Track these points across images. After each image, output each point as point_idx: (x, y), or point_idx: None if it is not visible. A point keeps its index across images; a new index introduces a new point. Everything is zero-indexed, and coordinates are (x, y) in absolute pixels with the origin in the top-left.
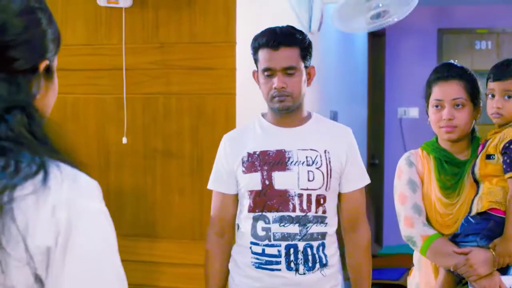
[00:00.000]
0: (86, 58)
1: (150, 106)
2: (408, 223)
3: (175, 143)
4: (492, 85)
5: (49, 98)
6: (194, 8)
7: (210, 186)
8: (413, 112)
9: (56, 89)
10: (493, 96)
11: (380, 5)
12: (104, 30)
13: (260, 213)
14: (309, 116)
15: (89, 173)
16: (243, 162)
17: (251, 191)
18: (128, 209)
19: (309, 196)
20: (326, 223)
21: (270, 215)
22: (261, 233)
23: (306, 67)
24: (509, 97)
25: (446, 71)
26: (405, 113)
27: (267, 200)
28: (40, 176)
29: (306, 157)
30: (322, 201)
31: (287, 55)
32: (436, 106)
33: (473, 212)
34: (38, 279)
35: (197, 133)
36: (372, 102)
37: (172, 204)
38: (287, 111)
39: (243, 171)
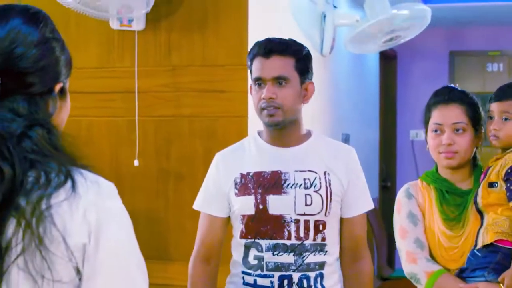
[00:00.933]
0: (99, 81)
1: (162, 128)
2: (410, 259)
3: (187, 166)
4: (492, 106)
5: (63, 115)
6: (206, 31)
7: (197, 206)
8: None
9: (69, 107)
10: (491, 118)
11: (394, 30)
12: (117, 53)
13: (252, 240)
14: (308, 134)
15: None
16: (235, 184)
17: (243, 216)
18: (141, 231)
19: (306, 222)
20: (326, 251)
21: (263, 243)
22: (253, 262)
23: (302, 81)
24: (506, 119)
25: (446, 95)
26: (417, 135)
27: (261, 226)
28: (69, 184)
29: (304, 179)
30: (321, 227)
31: (279, 64)
32: (435, 131)
33: (479, 245)
34: (78, 272)
35: (209, 155)
36: (384, 124)
37: (184, 226)
38: (277, 126)
39: (235, 194)
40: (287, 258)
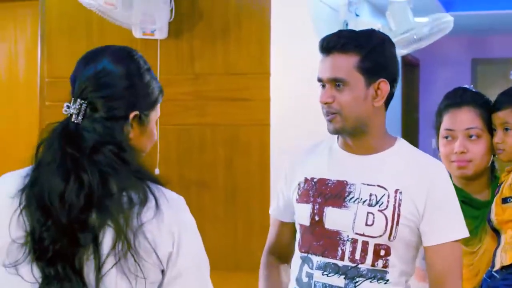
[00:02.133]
0: None
1: (184, 136)
2: (420, 276)
3: (209, 174)
4: (493, 118)
5: (143, 140)
6: (228, 40)
7: (270, 210)
8: None
9: (152, 134)
10: (495, 130)
11: (415, 37)
12: None
13: (306, 254)
14: (391, 142)
15: None
16: (298, 189)
17: (301, 225)
18: None
19: (365, 243)
20: (387, 281)
21: (315, 259)
22: (304, 279)
23: (370, 81)
24: (507, 129)
25: (458, 97)
26: None
27: (314, 240)
28: (153, 202)
29: (370, 195)
30: (383, 252)
31: (336, 64)
32: (447, 137)
33: (497, 266)
34: (163, 273)
35: (231, 163)
36: (406, 132)
37: (206, 234)
38: (339, 134)
39: (296, 199)
40: (337, 280)
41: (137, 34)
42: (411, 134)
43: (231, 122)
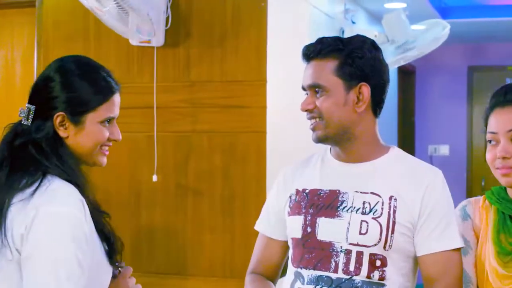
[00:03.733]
0: None
1: (181, 144)
2: None
3: (206, 181)
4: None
5: (79, 139)
6: (225, 47)
7: (255, 226)
8: (444, 150)
9: (93, 134)
10: (491, 142)
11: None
12: (136, 68)
13: (296, 269)
14: (384, 150)
15: (119, 210)
16: (290, 201)
17: (292, 239)
18: (159, 246)
19: (359, 254)
20: None
21: (306, 274)
22: None
23: (351, 86)
24: None
25: (502, 95)
26: (435, 150)
27: (306, 252)
28: (32, 188)
29: (363, 203)
30: (378, 263)
31: (315, 70)
32: (490, 142)
33: None
34: (17, 252)
35: (228, 171)
36: (402, 139)
37: (203, 242)
38: (323, 142)
39: (288, 212)
40: None
41: (134, 41)
42: (407, 141)
43: (228, 129)
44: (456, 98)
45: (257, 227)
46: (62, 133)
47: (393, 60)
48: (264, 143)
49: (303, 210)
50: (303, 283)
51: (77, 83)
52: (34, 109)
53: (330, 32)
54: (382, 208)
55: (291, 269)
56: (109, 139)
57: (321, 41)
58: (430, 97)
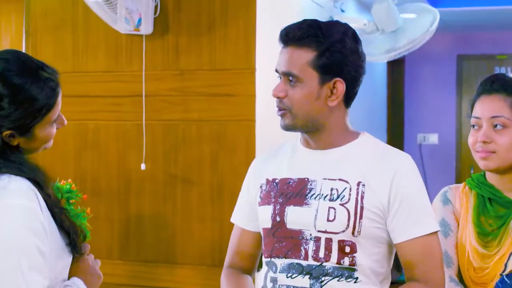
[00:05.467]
0: (107, 84)
1: (170, 132)
2: None
3: (195, 170)
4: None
5: (32, 145)
6: (214, 36)
7: (231, 218)
8: (433, 138)
9: (41, 139)
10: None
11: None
12: (125, 57)
13: (269, 259)
14: (353, 137)
15: (108, 198)
16: (261, 191)
17: (263, 229)
18: (148, 235)
19: (328, 241)
20: (357, 279)
21: (278, 262)
22: (269, 285)
23: (325, 79)
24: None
25: (489, 83)
26: (424, 139)
27: (276, 242)
28: None
29: (331, 190)
30: (347, 249)
31: (291, 58)
32: (473, 126)
33: (508, 269)
34: None
35: (217, 159)
36: (392, 128)
37: (192, 230)
38: (289, 131)
39: (258, 203)
40: (302, 281)
41: (122, 29)
42: (396, 130)
43: (217, 118)
44: (445, 86)
45: (232, 219)
46: (13, 143)
47: (383, 51)
48: (253, 132)
49: (273, 200)
50: (275, 272)
51: (26, 102)
52: None
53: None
54: (350, 194)
55: (264, 260)
56: (56, 129)
57: (300, 27)
58: (419, 85)
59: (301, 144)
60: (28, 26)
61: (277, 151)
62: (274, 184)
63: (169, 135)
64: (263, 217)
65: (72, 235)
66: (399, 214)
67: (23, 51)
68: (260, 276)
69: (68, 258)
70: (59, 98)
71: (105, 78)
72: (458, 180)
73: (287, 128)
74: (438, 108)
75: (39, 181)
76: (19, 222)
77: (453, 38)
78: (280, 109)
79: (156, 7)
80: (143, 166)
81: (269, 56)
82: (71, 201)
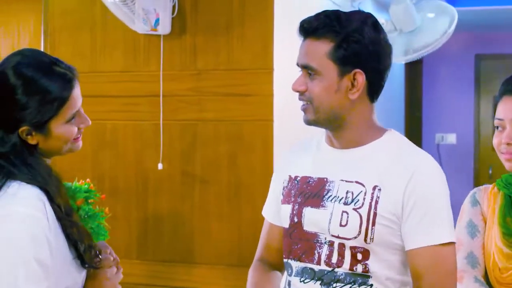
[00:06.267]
0: (124, 84)
1: (187, 132)
2: (458, 276)
3: (213, 170)
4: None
5: (50, 143)
6: (231, 35)
7: (263, 210)
8: (451, 138)
9: (59, 137)
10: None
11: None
12: (142, 57)
13: (286, 260)
14: (378, 135)
15: (126, 198)
16: (283, 188)
17: (283, 228)
18: (166, 234)
19: (341, 246)
20: (371, 286)
21: (294, 265)
22: (286, 287)
23: (344, 71)
24: None
25: (511, 84)
26: (442, 139)
27: (292, 243)
28: None
29: (347, 192)
30: (360, 256)
31: (309, 50)
32: (497, 127)
33: None
34: None
35: (235, 159)
36: (410, 128)
37: (209, 230)
38: (312, 125)
39: (281, 200)
40: (313, 286)
41: (140, 29)
42: (414, 130)
43: (234, 117)
44: (463, 86)
45: (263, 211)
46: (31, 141)
47: (402, 51)
48: (271, 132)
49: (292, 199)
50: (290, 275)
51: (39, 93)
52: None
53: None
54: (364, 199)
55: (284, 260)
56: (79, 129)
57: (318, 18)
58: (437, 85)
59: (325, 142)
60: (46, 26)
61: (304, 146)
62: (296, 182)
63: (186, 135)
64: (284, 216)
65: (80, 248)
66: (411, 219)
67: (41, 50)
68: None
69: (78, 272)
70: (75, 93)
71: (122, 78)
72: (476, 180)
73: (309, 122)
74: (456, 108)
75: (50, 191)
76: (21, 230)
77: (471, 38)
78: (302, 101)
79: (173, 7)
80: (160, 166)
81: (287, 56)
82: (89, 201)
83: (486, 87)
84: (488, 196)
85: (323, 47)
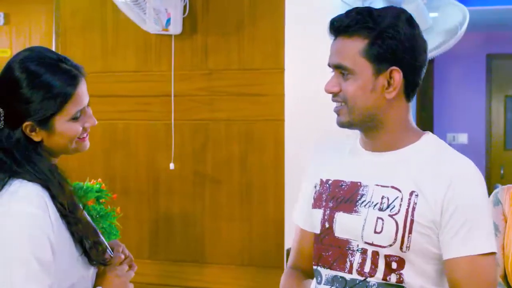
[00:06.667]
0: (136, 84)
1: (198, 132)
2: None
3: (224, 169)
4: None
5: (54, 140)
6: (242, 35)
7: (293, 215)
8: (462, 138)
9: (63, 134)
10: None
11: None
12: (154, 57)
13: (316, 267)
14: (414, 138)
15: (138, 198)
16: (315, 192)
17: (314, 234)
18: (177, 234)
19: (375, 254)
20: None
21: (324, 273)
22: None
23: (380, 69)
24: None
25: None
26: (454, 139)
27: (323, 250)
28: None
29: (382, 198)
30: (394, 265)
31: (341, 49)
32: None
33: None
34: None
35: (246, 159)
36: (421, 128)
37: (220, 229)
38: (346, 128)
39: (312, 204)
40: None
41: (151, 29)
42: (425, 129)
43: (245, 117)
44: (474, 86)
45: (293, 217)
46: (35, 138)
47: None
48: (282, 131)
49: (323, 204)
50: (320, 283)
51: (42, 88)
52: (3, 113)
53: None
54: (400, 205)
55: (313, 267)
56: (84, 129)
57: (349, 15)
58: (448, 85)
59: (359, 144)
60: (58, 27)
61: (336, 147)
62: (327, 185)
63: (198, 135)
64: (314, 221)
65: (86, 245)
66: (450, 227)
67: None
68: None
69: (86, 269)
70: (80, 90)
71: (134, 78)
72: (487, 180)
73: (343, 125)
74: (468, 108)
75: (52, 189)
76: (20, 229)
77: (482, 37)
78: (335, 102)
79: (184, 7)
80: (172, 166)
81: (298, 56)
82: (101, 201)
83: (498, 86)
84: (510, 196)
85: (357, 45)
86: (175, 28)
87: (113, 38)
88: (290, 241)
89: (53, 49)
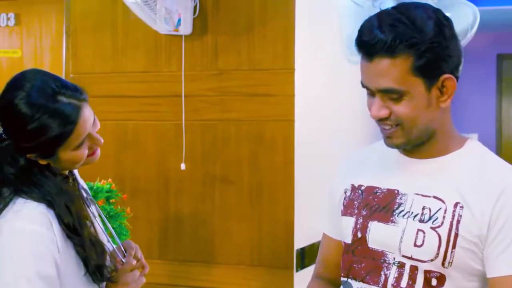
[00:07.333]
0: (146, 85)
1: (209, 132)
2: None
3: (234, 170)
4: None
5: (61, 165)
6: (253, 35)
7: (320, 222)
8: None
9: (69, 161)
10: None
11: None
12: (164, 57)
13: (345, 279)
14: (459, 144)
15: (147, 198)
16: (344, 198)
17: (344, 243)
18: (187, 235)
19: (413, 269)
20: None
21: (355, 286)
22: None
23: (432, 82)
24: None
25: None
26: None
27: (354, 261)
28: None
29: (423, 208)
30: (434, 282)
31: (384, 71)
32: None
33: None
34: None
35: (256, 159)
36: None
37: (230, 230)
38: (401, 148)
39: (341, 211)
40: None
41: (162, 30)
42: None
43: (255, 118)
44: (484, 86)
45: (321, 226)
46: (41, 162)
47: None
48: (292, 132)
49: (355, 211)
50: None
51: (36, 128)
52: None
53: (357, 19)
54: (444, 217)
55: (341, 278)
56: (91, 149)
57: (382, 29)
58: (458, 85)
59: (398, 149)
60: (68, 27)
61: (369, 151)
62: (359, 191)
63: (208, 135)
64: (344, 230)
65: (90, 265)
66: (497, 243)
67: (63, 51)
68: None
69: (93, 286)
70: (82, 120)
71: (144, 78)
72: None
73: (397, 146)
74: (478, 109)
75: (57, 209)
76: (23, 247)
77: (492, 38)
78: (385, 126)
79: (195, 7)
80: (183, 166)
81: (308, 56)
82: (111, 201)
83: (508, 87)
84: None
85: (403, 64)
86: (185, 28)
87: (123, 39)
88: (299, 241)
89: (64, 49)
